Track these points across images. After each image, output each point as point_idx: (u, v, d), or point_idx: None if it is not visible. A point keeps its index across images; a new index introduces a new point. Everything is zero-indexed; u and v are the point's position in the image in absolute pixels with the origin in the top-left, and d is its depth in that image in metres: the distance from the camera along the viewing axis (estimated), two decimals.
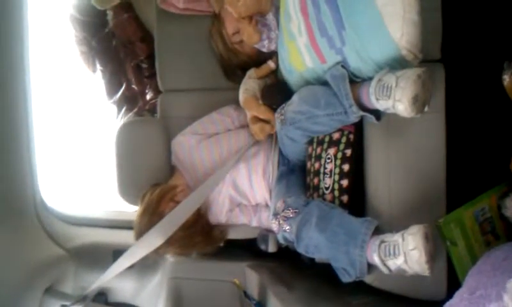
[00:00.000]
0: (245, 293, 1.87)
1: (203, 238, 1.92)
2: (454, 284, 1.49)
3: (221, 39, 1.98)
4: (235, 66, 2.03)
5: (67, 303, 2.12)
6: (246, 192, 1.93)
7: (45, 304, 2.12)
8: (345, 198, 1.65)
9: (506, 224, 1.59)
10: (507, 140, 1.56)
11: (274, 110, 1.78)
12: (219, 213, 1.95)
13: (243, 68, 2.01)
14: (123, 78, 2.69)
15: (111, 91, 2.74)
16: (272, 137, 1.92)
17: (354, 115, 1.52)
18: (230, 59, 2.01)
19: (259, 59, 1.96)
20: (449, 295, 1.20)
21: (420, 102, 1.35)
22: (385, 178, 1.60)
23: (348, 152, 1.65)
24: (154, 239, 1.81)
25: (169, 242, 1.83)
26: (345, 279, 1.53)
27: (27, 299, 2.04)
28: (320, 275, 1.78)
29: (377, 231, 1.47)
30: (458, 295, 1.17)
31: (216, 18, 2.00)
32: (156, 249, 1.85)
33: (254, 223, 1.94)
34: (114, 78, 2.70)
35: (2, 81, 1.91)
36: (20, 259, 2.02)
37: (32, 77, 2.01)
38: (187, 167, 1.99)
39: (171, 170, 2.06)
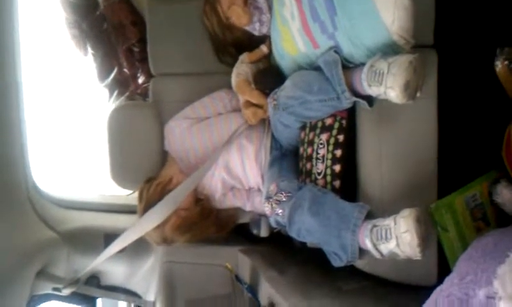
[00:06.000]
0: (237, 277, 1.88)
1: (217, 226, 1.94)
2: (444, 269, 1.50)
3: (216, 16, 1.94)
4: (229, 43, 2.00)
5: (59, 286, 2.12)
6: (239, 176, 1.93)
7: (37, 286, 2.12)
8: (337, 183, 1.65)
9: (497, 211, 1.60)
10: (499, 126, 1.56)
11: (267, 94, 1.78)
12: (212, 198, 1.95)
13: (237, 46, 1.99)
14: (114, 61, 2.67)
15: (103, 75, 2.73)
16: (265, 122, 1.91)
17: (347, 101, 1.52)
18: (225, 35, 1.97)
19: (253, 37, 1.93)
20: (440, 280, 1.20)
21: (411, 88, 1.35)
22: (377, 163, 1.60)
23: (341, 138, 1.65)
24: (147, 224, 1.82)
25: (182, 232, 1.87)
26: (337, 263, 1.54)
27: (19, 281, 2.04)
28: (312, 260, 1.79)
29: (369, 215, 1.48)
30: (448, 280, 1.17)
31: None
32: (165, 238, 1.88)
33: (248, 207, 1.95)
34: (106, 62, 2.69)
35: None
36: (12, 242, 2.01)
37: (23, 60, 2.00)
38: (179, 153, 1.99)
39: (164, 154, 2.06)
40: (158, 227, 1.83)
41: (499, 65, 1.52)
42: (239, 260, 1.93)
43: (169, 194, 1.82)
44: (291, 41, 1.67)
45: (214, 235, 1.93)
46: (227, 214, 1.98)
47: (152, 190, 1.87)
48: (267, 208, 1.66)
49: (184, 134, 1.97)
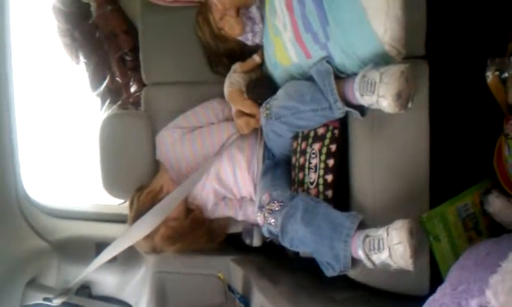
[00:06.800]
0: (229, 287, 1.87)
1: (208, 236, 1.94)
2: (436, 279, 1.50)
3: (208, 26, 1.95)
4: (222, 54, 2.01)
5: (50, 296, 2.11)
6: (231, 186, 1.94)
7: (28, 297, 2.11)
8: (329, 193, 1.65)
9: (489, 221, 1.60)
10: (491, 137, 1.57)
11: (259, 104, 1.78)
12: (204, 208, 1.95)
13: (230, 57, 2.00)
14: (107, 70, 2.67)
15: (95, 83, 2.72)
16: (257, 132, 1.91)
17: (339, 111, 1.53)
18: (217, 46, 1.98)
19: (246, 47, 1.94)
20: (432, 290, 1.21)
21: (403, 98, 1.36)
22: (369, 173, 1.61)
23: (333, 147, 1.65)
24: (137, 232, 1.82)
25: (172, 242, 1.87)
26: (329, 273, 1.54)
27: (10, 291, 2.03)
28: (305, 269, 1.78)
29: (362, 225, 1.48)
30: (441, 290, 1.17)
31: (203, 5, 1.97)
32: (154, 247, 1.88)
33: (240, 217, 1.95)
34: (98, 71, 2.68)
35: None
36: (2, 251, 2.00)
37: (14, 69, 1.99)
38: (170, 162, 1.99)
39: (156, 163, 2.05)
40: (148, 236, 1.83)
41: (490, 76, 1.53)
42: (231, 270, 1.93)
43: (159, 203, 1.82)
44: (283, 51, 1.68)
45: (205, 245, 1.92)
46: (218, 224, 1.97)
47: (142, 198, 1.87)
48: (259, 218, 1.66)
49: (175, 144, 1.97)
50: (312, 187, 1.67)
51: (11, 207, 2.10)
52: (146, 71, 2.16)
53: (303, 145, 1.69)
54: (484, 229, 1.62)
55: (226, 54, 1.99)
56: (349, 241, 1.45)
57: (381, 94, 1.35)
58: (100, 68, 2.67)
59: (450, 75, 1.77)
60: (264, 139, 1.86)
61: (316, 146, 1.66)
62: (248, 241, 1.92)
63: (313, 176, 1.67)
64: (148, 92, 2.17)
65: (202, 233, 1.91)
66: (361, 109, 1.53)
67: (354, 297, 1.66)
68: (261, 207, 1.66)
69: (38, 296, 2.14)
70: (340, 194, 1.67)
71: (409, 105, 1.40)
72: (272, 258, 1.98)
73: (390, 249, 1.34)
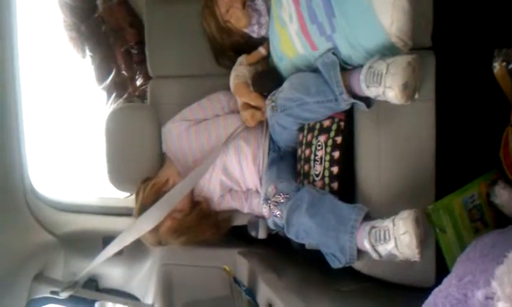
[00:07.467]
0: (235, 279, 1.87)
1: (214, 229, 1.94)
2: (442, 270, 1.49)
3: (214, 19, 1.94)
4: (228, 46, 2.00)
5: (57, 289, 2.11)
6: (237, 178, 1.94)
7: (35, 290, 2.11)
8: (335, 185, 1.65)
9: (495, 212, 1.59)
10: (497, 128, 1.56)
11: (265, 97, 1.78)
12: (211, 200, 1.95)
13: (235, 50, 1.99)
14: (112, 64, 2.68)
15: (101, 77, 2.73)
16: (263, 124, 1.91)
17: (345, 102, 1.52)
18: (223, 39, 1.98)
19: (251, 39, 1.94)
20: (438, 282, 1.20)
21: (410, 88, 1.35)
22: (375, 165, 1.60)
23: (338, 139, 1.65)
24: (143, 225, 1.82)
25: (178, 235, 1.87)
26: (335, 265, 1.54)
27: (17, 285, 2.03)
28: (310, 261, 1.78)
29: (368, 217, 1.48)
30: (447, 281, 1.17)
31: None
32: (160, 240, 1.89)
33: (245, 209, 1.95)
34: (104, 64, 2.69)
35: None
36: (10, 245, 2.00)
37: (21, 63, 1.99)
38: (177, 155, 1.99)
39: (162, 156, 2.06)
40: (153, 229, 1.83)
41: (497, 66, 1.52)
42: (237, 262, 1.93)
43: (165, 196, 1.82)
44: (289, 43, 1.67)
45: (210, 237, 1.93)
46: (223, 217, 1.98)
47: (148, 191, 1.87)
48: (265, 210, 1.67)
49: (181, 136, 1.98)
50: (317, 179, 1.67)
51: (18, 201, 2.10)
52: (152, 65, 2.16)
53: (309, 137, 1.69)
54: (490, 220, 1.61)
55: (231, 46, 1.99)
56: (355, 233, 1.46)
57: (387, 85, 1.35)
58: (106, 61, 2.68)
59: (457, 66, 1.76)
60: (270, 132, 1.86)
61: (322, 138, 1.66)
62: (253, 233, 1.92)
63: (318, 168, 1.66)
64: (154, 85, 2.17)
65: (208, 226, 1.91)
66: (367, 101, 1.53)
67: (360, 289, 1.66)
68: (267, 199, 1.66)
69: (45, 289, 2.14)
70: (345, 186, 1.67)
71: (416, 96, 1.40)
72: (278, 251, 1.98)
73: (396, 239, 1.34)
